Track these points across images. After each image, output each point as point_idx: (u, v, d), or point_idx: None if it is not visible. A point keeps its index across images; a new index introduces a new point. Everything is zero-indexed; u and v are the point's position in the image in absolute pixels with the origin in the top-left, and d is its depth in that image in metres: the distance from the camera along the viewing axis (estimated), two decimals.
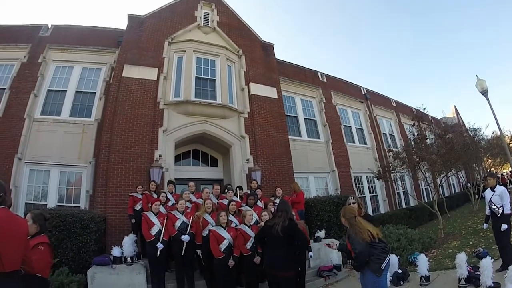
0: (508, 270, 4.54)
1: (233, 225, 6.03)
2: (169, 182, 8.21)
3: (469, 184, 16.96)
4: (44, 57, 10.40)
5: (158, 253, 5.84)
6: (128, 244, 6.41)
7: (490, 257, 5.21)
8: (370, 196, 15.12)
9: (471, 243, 8.35)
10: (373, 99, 18.87)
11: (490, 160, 20.00)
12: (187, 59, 10.87)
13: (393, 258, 6.10)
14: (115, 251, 6.29)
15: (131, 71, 9.98)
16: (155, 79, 10.19)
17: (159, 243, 5.87)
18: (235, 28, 12.85)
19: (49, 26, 11.25)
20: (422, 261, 5.89)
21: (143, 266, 6.27)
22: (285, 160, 11.34)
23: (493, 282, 4.83)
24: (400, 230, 8.64)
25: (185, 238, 5.93)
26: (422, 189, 18.63)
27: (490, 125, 43.27)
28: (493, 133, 20.63)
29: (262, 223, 5.73)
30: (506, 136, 15.87)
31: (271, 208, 6.92)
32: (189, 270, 6.13)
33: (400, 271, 6.15)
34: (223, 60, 11.46)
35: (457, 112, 30.90)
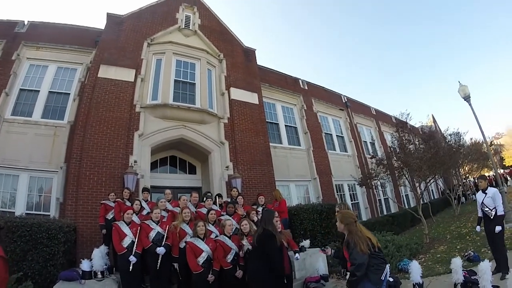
0: (508, 274, 4.46)
1: (213, 235, 5.61)
2: (144, 189, 7.66)
3: (448, 190, 17.20)
4: (18, 55, 9.78)
5: (131, 267, 5.31)
6: (98, 257, 5.84)
7: (488, 260, 5.08)
8: (351, 203, 14.99)
9: (458, 247, 8.37)
10: (353, 107, 19.01)
11: (467, 167, 20.36)
12: (166, 61, 10.48)
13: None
14: (84, 265, 5.71)
15: (108, 72, 9.50)
16: (132, 80, 9.71)
17: (131, 256, 5.34)
18: (216, 32, 12.59)
19: (26, 23, 10.62)
20: (415, 268, 5.58)
21: (115, 281, 5.72)
22: (266, 167, 11.04)
23: (492, 286, 4.68)
24: (387, 237, 8.51)
25: (160, 250, 5.45)
26: (403, 195, 18.77)
27: (469, 131, 44.72)
28: (471, 139, 21.11)
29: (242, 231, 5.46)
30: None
31: (254, 217, 6.60)
32: (165, 285, 5.66)
33: (391, 279, 5.83)
34: (204, 63, 11.13)
35: (434, 121, 31.69)
